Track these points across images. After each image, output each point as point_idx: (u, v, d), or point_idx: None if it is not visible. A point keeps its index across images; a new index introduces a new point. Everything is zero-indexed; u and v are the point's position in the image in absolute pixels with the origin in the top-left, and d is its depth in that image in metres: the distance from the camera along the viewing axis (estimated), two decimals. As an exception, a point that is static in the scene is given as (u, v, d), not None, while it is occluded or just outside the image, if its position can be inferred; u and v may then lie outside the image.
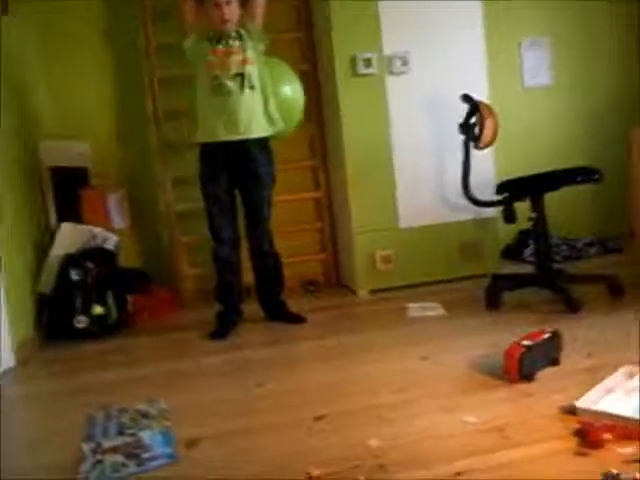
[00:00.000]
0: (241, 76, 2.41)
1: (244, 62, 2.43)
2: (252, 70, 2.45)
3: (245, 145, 2.44)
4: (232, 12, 2.41)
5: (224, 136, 2.42)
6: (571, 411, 1.35)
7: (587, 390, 1.42)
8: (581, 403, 1.35)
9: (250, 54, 2.45)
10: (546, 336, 1.66)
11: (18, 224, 2.57)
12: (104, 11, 3.20)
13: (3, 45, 2.66)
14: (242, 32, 2.47)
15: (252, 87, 2.44)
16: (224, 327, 2.50)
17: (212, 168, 2.49)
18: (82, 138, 3.14)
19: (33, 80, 3.03)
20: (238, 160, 2.46)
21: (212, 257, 2.58)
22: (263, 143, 2.50)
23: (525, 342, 1.61)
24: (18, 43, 2.86)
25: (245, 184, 2.52)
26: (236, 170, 2.48)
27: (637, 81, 3.64)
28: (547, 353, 1.66)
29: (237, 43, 2.44)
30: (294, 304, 2.65)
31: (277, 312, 2.60)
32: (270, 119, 2.50)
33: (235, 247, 2.58)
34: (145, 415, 1.62)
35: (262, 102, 2.47)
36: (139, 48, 3.20)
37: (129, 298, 2.83)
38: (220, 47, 2.43)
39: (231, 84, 2.40)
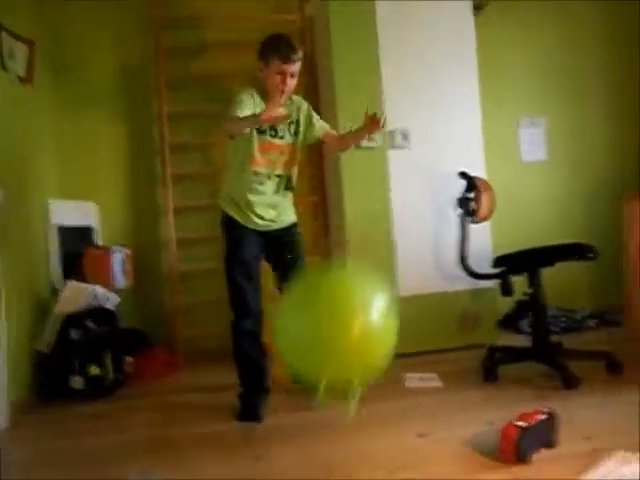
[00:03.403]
0: (281, 177, 2.28)
1: (292, 163, 2.29)
2: (294, 170, 2.32)
3: (277, 230, 2.33)
4: (293, 86, 2.20)
5: (252, 225, 2.28)
6: (567, 499, 1.34)
7: (583, 474, 1.42)
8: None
9: (298, 152, 2.30)
10: (542, 417, 1.66)
11: (23, 282, 2.61)
12: (119, 80, 3.38)
13: (23, 110, 2.80)
14: (300, 121, 2.27)
15: (289, 188, 2.34)
16: (253, 407, 2.22)
17: (241, 234, 2.28)
18: (90, 198, 3.24)
19: (45, 141, 3.16)
20: (269, 238, 2.32)
21: (233, 332, 2.29)
22: (293, 223, 2.40)
23: (521, 423, 1.61)
24: (35, 107, 3.00)
25: (280, 254, 2.33)
26: (267, 243, 2.32)
27: (630, 157, 3.78)
28: (543, 434, 1.66)
29: (290, 138, 2.26)
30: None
31: None
32: (293, 208, 2.41)
33: (260, 320, 2.30)
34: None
35: (291, 197, 2.38)
36: (151, 115, 3.36)
37: (127, 359, 2.83)
38: (269, 138, 2.21)
39: (269, 184, 2.26)
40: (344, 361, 1.60)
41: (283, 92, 2.16)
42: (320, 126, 2.34)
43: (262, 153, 2.21)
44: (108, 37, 3.34)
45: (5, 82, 2.58)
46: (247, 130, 2.15)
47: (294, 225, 2.41)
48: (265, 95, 2.19)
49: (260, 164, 2.22)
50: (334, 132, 2.41)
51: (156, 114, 3.31)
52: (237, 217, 2.29)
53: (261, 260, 2.35)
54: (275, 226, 2.33)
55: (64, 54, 3.25)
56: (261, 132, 2.20)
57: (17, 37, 2.72)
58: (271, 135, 2.22)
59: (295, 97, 2.33)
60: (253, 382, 2.30)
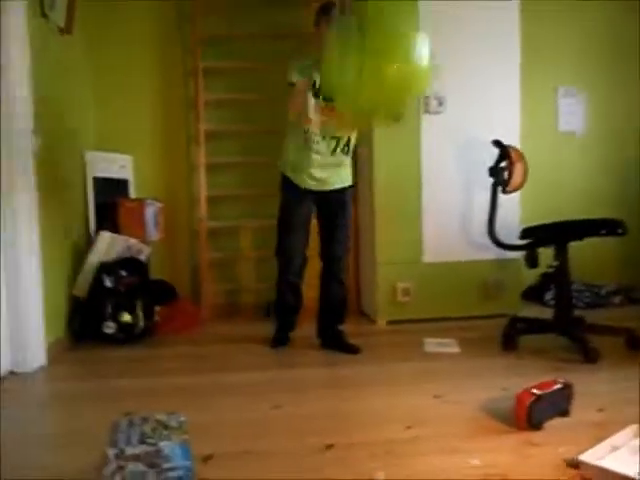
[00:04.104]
0: (337, 139, 2.40)
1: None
2: (354, 135, 2.44)
3: (327, 191, 2.49)
4: None
5: (306, 185, 2.47)
6: (575, 464, 1.38)
7: (594, 445, 1.46)
8: (585, 457, 1.38)
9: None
10: (558, 386, 1.70)
11: (60, 229, 2.72)
12: (156, 34, 3.38)
13: (62, 61, 2.84)
14: None
15: (344, 151, 2.45)
16: (282, 337, 2.64)
17: (294, 197, 2.51)
18: (125, 151, 3.31)
19: (84, 93, 3.21)
20: (319, 198, 2.51)
21: (278, 279, 2.60)
22: (346, 188, 2.54)
23: (536, 391, 1.65)
24: (74, 59, 3.05)
25: (326, 216, 2.53)
26: (317, 203, 2.53)
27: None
28: (557, 403, 1.69)
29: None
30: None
31: (333, 341, 2.58)
32: (350, 174, 2.54)
33: (302, 273, 2.60)
34: (165, 426, 1.70)
35: (348, 161, 2.51)
36: (187, 69, 3.37)
37: (156, 309, 2.94)
38: (324, 102, 2.33)
39: (323, 145, 2.40)
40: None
41: None
42: None
43: (317, 113, 2.36)
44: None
45: (44, 31, 2.62)
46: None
47: (345, 189, 2.53)
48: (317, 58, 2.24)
49: (314, 124, 2.36)
50: None
51: (191, 69, 3.33)
52: (291, 176, 2.49)
53: (310, 220, 2.55)
54: (327, 187, 2.47)
55: (103, 6, 3.26)
56: (315, 94, 2.35)
57: (58, -13, 2.74)
58: (325, 99, 2.32)
59: None
60: (285, 321, 2.65)
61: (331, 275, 2.58)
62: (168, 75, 3.40)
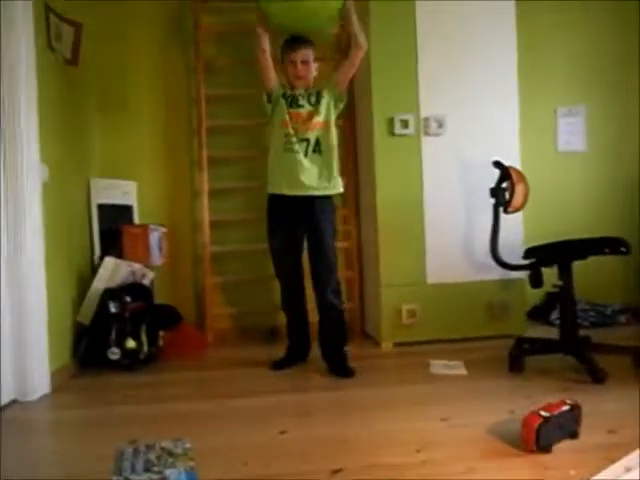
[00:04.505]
0: (307, 141, 2.55)
1: (314, 126, 2.55)
2: (321, 134, 2.56)
3: (307, 199, 2.56)
4: (307, 70, 2.57)
5: (287, 191, 2.56)
6: (586, 487, 1.37)
7: (605, 466, 1.44)
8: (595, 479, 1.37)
9: (322, 118, 2.56)
10: (566, 408, 1.68)
11: (67, 256, 2.74)
12: (160, 62, 3.45)
13: (68, 91, 2.90)
14: (322, 93, 2.59)
15: (317, 151, 2.56)
16: (284, 361, 2.68)
17: (277, 219, 2.62)
18: (130, 178, 3.35)
19: (88, 121, 3.26)
20: (300, 211, 2.57)
21: (281, 301, 2.74)
22: (325, 198, 2.60)
23: (544, 413, 1.63)
24: (80, 89, 3.10)
25: (309, 234, 2.61)
26: (300, 221, 2.59)
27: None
28: (566, 425, 1.67)
29: (310, 107, 2.57)
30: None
31: (336, 367, 2.55)
32: (332, 181, 2.59)
33: (301, 295, 2.70)
34: (170, 453, 1.68)
35: (325, 164, 2.57)
36: (190, 96, 3.43)
37: (160, 334, 2.94)
38: (293, 110, 2.56)
39: (298, 147, 2.54)
40: None
41: (298, 77, 2.56)
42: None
43: (290, 120, 2.56)
44: (150, 20, 3.42)
45: (51, 63, 2.68)
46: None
47: (328, 199, 2.60)
48: (291, 92, 2.61)
49: (288, 126, 2.55)
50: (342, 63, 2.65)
51: (195, 96, 3.38)
52: (275, 187, 2.60)
53: (300, 240, 2.64)
54: (311, 192, 2.55)
55: (108, 37, 3.33)
56: (289, 105, 2.58)
57: (64, 19, 2.81)
58: (292, 106, 2.57)
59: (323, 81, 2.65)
60: (292, 342, 2.73)
61: (321, 298, 2.59)
62: (173, 101, 3.46)
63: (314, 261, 2.59)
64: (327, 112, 2.59)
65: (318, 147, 2.57)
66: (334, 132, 2.61)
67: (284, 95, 2.59)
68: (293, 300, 2.70)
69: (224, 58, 3.42)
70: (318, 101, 2.59)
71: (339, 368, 2.54)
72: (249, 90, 3.29)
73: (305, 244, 2.65)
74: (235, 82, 3.43)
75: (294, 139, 2.54)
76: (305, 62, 2.56)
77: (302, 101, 2.58)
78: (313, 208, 2.56)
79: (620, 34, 3.68)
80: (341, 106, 2.65)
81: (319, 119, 2.57)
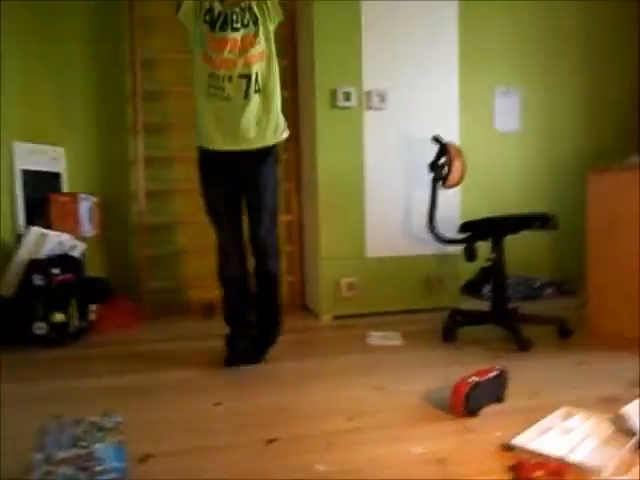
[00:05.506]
0: (247, 77, 1.97)
1: (254, 58, 1.96)
2: (261, 68, 1.99)
3: (247, 154, 2.08)
4: None
5: (223, 146, 2.06)
6: (509, 448, 1.43)
7: (527, 428, 1.51)
8: (517, 441, 1.43)
9: (263, 44, 1.97)
10: (493, 374, 1.75)
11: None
12: (92, 20, 3.25)
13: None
14: (254, 7, 1.96)
15: (259, 90, 2.00)
16: (234, 353, 2.25)
17: (211, 177, 2.12)
18: (58, 143, 3.15)
19: (12, 80, 3.03)
20: (240, 166, 2.10)
21: (218, 275, 2.26)
22: (268, 150, 2.13)
23: (472, 379, 1.69)
24: (2, 46, 2.87)
25: (248, 193, 2.15)
26: (239, 177, 2.12)
27: (599, 131, 3.87)
28: (493, 390, 1.74)
29: (246, 28, 1.93)
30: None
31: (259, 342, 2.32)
32: (276, 126, 2.10)
33: (243, 265, 2.25)
34: (99, 428, 1.62)
35: (268, 106, 2.04)
36: (124, 60, 3.25)
37: (92, 307, 2.82)
38: (221, 34, 1.91)
39: (232, 88, 1.96)
40: None
41: None
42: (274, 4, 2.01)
43: (215, 51, 1.93)
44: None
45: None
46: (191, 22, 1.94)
47: (270, 150, 2.11)
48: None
49: (213, 63, 1.94)
50: None
51: (129, 59, 3.21)
52: (204, 141, 2.07)
53: (238, 200, 2.17)
54: (248, 145, 2.05)
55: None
56: (210, 26, 1.93)
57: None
58: (221, 29, 1.92)
59: None
60: (236, 327, 2.28)
61: (260, 266, 2.22)
62: (105, 64, 3.27)
63: (254, 224, 2.16)
64: (267, 34, 1.98)
65: (258, 85, 2.00)
66: (276, 63, 2.04)
67: (207, 11, 1.91)
68: (239, 274, 2.24)
69: (161, 18, 3.25)
70: (255, 21, 1.95)
71: (258, 348, 2.30)
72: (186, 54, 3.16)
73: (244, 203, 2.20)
74: (171, 45, 3.27)
75: (225, 78, 1.94)
76: None
77: (237, 20, 1.92)
78: (255, 163, 2.09)
79: (554, 20, 3.80)
80: (277, 21, 2.02)
81: (259, 48, 1.96)
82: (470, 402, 1.64)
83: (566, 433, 1.49)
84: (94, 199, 3.05)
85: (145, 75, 3.20)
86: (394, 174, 3.09)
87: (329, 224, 3.03)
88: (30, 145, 3.00)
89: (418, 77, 3.09)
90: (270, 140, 2.11)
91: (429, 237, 2.87)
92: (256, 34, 1.96)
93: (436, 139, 2.76)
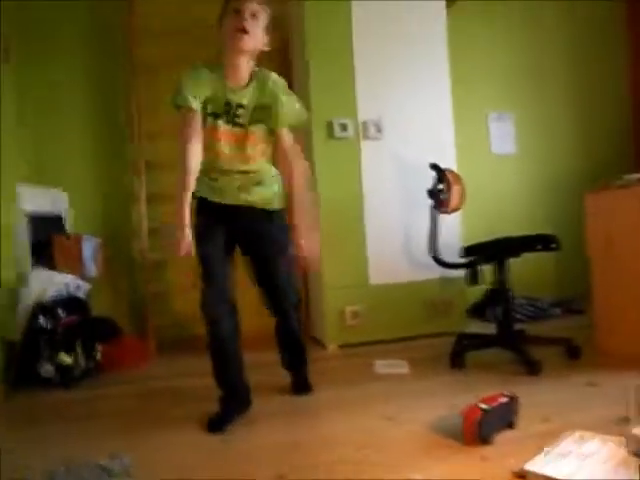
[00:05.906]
0: (245, 174, 1.94)
1: (254, 157, 1.92)
2: (262, 166, 1.96)
3: (249, 209, 1.99)
4: (255, 26, 1.81)
5: (222, 202, 1.98)
6: (522, 475, 1.41)
7: (539, 454, 1.49)
8: (530, 466, 1.41)
9: (263, 147, 1.94)
10: (504, 400, 1.73)
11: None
12: (93, 63, 3.33)
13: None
14: (263, 101, 1.87)
15: (259, 183, 1.96)
16: (223, 416, 1.97)
17: (208, 221, 1.97)
18: (60, 186, 3.20)
19: (16, 125, 3.10)
20: (238, 220, 1.99)
21: (207, 331, 2.04)
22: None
23: (483, 405, 1.67)
24: (5, 90, 2.94)
25: (253, 248, 2.04)
26: (240, 227, 2.00)
27: (593, 152, 3.91)
28: (504, 416, 1.73)
29: (247, 126, 1.87)
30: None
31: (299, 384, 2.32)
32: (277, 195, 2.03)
33: (233, 320, 2.04)
34: (109, 472, 1.61)
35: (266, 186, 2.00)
36: (125, 103, 3.32)
37: (98, 347, 2.82)
38: (225, 126, 1.86)
39: (227, 180, 1.93)
40: None
41: (240, 30, 1.78)
42: (282, 119, 1.92)
43: (214, 139, 1.86)
44: (80, 23, 3.29)
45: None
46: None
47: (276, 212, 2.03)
48: (222, 67, 1.87)
49: (222, 158, 1.89)
50: (289, 145, 1.96)
51: (130, 99, 3.28)
52: (202, 191, 1.96)
53: (231, 252, 2.05)
54: (249, 204, 1.98)
55: (39, 37, 3.18)
56: (216, 116, 1.85)
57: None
58: (228, 120, 1.86)
59: (264, 71, 1.92)
60: (227, 386, 2.06)
61: (281, 319, 2.21)
62: (106, 105, 3.34)
63: (266, 279, 2.09)
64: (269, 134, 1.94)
65: (256, 180, 1.97)
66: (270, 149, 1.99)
67: (211, 100, 1.81)
68: (229, 332, 2.02)
69: (159, 58, 3.33)
70: (260, 118, 1.88)
71: (302, 385, 2.31)
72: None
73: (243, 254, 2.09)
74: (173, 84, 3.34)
75: (223, 170, 1.90)
76: (254, 17, 1.81)
77: (241, 114, 1.85)
78: (257, 218, 2.01)
79: (544, 43, 3.89)
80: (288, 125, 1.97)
81: (261, 148, 1.93)
82: (483, 429, 1.63)
83: (580, 458, 1.47)
84: (97, 239, 3.08)
85: (146, 116, 3.26)
86: (393, 201, 3.11)
87: (331, 253, 3.04)
88: (33, 188, 3.04)
89: (412, 106, 3.14)
90: (271, 204, 2.03)
91: (432, 262, 2.88)
92: (258, 133, 1.91)
93: (434, 166, 2.80)
